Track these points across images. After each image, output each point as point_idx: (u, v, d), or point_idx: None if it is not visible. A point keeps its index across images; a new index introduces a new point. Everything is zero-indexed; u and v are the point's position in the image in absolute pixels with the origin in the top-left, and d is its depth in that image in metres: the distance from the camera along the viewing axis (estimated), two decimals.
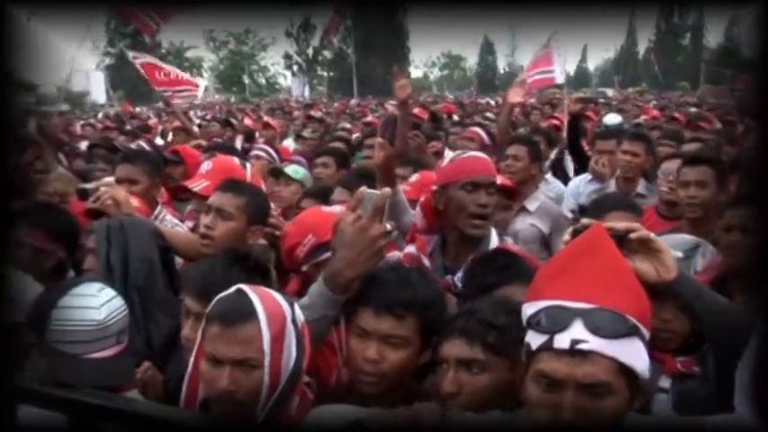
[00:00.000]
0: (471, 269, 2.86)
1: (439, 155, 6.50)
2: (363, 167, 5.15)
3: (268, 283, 2.39)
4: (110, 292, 2.38)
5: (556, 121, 10.51)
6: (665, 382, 2.62)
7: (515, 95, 7.37)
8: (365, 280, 2.37)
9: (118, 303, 2.38)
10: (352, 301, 2.38)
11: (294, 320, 2.08)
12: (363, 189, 2.42)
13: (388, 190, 2.41)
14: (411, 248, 3.38)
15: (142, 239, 3.05)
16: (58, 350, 2.23)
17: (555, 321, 1.68)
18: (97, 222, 3.14)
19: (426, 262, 3.26)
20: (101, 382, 2.10)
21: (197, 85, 10.55)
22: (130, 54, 11.04)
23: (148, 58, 10.53)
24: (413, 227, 3.52)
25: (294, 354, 2.05)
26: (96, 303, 2.30)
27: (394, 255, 3.55)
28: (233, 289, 2.12)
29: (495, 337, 2.06)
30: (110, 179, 3.97)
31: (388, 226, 2.36)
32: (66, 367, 2.18)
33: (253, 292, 2.07)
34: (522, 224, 4.80)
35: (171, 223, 4.09)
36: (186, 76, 10.38)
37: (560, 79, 9.79)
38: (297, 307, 2.14)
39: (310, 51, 78.32)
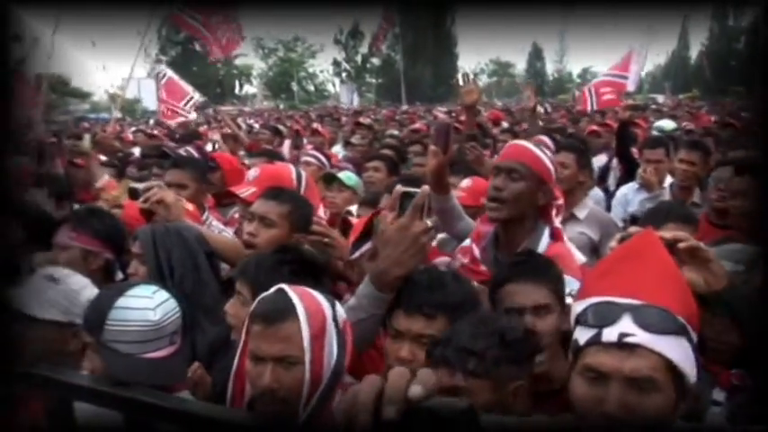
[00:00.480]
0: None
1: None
2: (412, 174, 5.16)
3: (321, 282, 2.45)
4: (164, 294, 2.44)
5: (595, 127, 10.38)
6: (719, 395, 2.57)
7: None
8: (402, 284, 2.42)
9: (172, 305, 2.44)
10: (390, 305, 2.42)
11: (335, 319, 2.11)
12: (399, 187, 2.47)
13: (426, 188, 2.44)
14: (467, 241, 3.39)
15: (188, 245, 3.11)
16: (114, 349, 2.29)
17: (603, 316, 1.69)
18: (141, 229, 3.20)
19: (478, 253, 3.27)
20: (155, 382, 2.14)
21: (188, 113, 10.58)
22: (163, 69, 11.11)
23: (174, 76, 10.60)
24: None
25: (335, 351, 2.08)
26: (152, 305, 2.36)
27: (443, 260, 3.56)
28: (274, 288, 2.16)
29: (474, 363, 2.05)
30: (159, 181, 4.03)
31: (429, 222, 2.39)
32: (122, 366, 2.23)
33: (293, 292, 2.11)
34: (572, 232, 4.75)
35: (217, 228, 4.15)
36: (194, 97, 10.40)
37: (631, 87, 9.58)
38: (338, 306, 2.17)
39: (359, 58, 78.74)
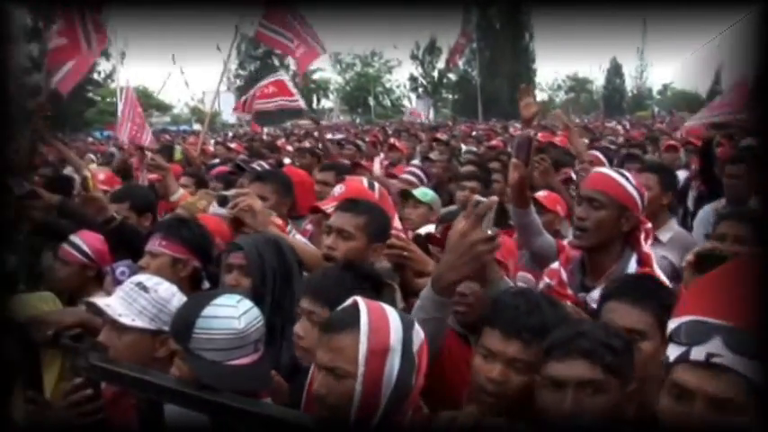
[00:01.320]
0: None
1: (569, 182, 6.45)
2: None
3: (380, 297, 2.47)
4: (247, 303, 2.52)
5: (673, 142, 10.14)
6: None
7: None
8: (493, 302, 2.43)
9: (255, 313, 2.51)
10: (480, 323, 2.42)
11: (407, 340, 2.11)
12: (475, 197, 2.49)
13: (494, 198, 2.45)
14: (555, 264, 3.41)
15: (285, 257, 3.16)
16: (201, 357, 2.38)
17: (693, 334, 1.70)
18: (243, 239, 3.27)
19: (565, 277, 3.28)
20: (240, 387, 2.22)
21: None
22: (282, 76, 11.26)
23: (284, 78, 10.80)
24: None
25: (397, 369, 2.06)
26: (236, 313, 2.44)
27: (525, 277, 3.57)
28: (349, 300, 2.21)
29: (611, 358, 2.06)
30: (247, 189, 4.11)
31: (489, 232, 2.39)
32: (208, 372, 2.31)
33: (364, 305, 2.14)
34: (653, 255, 4.68)
35: (301, 241, 4.22)
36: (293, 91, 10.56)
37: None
38: (416, 329, 2.17)
39: (435, 74, 78.79)
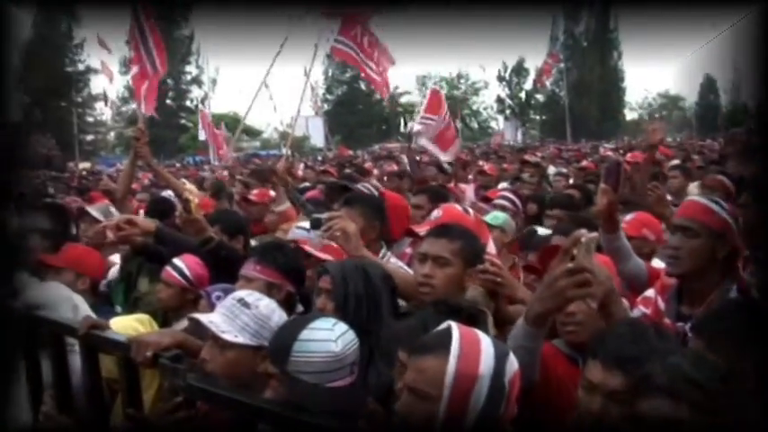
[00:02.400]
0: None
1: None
2: (580, 216, 5.10)
3: (476, 325, 2.44)
4: (343, 326, 2.56)
5: None
6: None
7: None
8: (598, 333, 2.41)
9: (351, 336, 2.55)
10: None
11: (497, 367, 2.08)
12: (580, 231, 2.44)
13: (581, 232, 2.41)
14: (650, 292, 3.36)
15: (372, 283, 3.15)
16: (299, 379, 2.42)
17: None
18: (331, 264, 3.30)
19: (661, 305, 3.23)
20: (336, 409, 2.24)
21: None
22: None
23: None
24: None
25: (484, 396, 2.04)
26: (333, 336, 2.48)
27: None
28: (443, 324, 2.20)
29: (700, 395, 1.87)
30: (341, 212, 4.14)
31: (570, 265, 2.36)
32: (306, 394, 2.35)
33: (456, 330, 2.13)
34: None
35: (395, 265, 4.21)
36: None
37: None
38: (510, 356, 2.15)
39: (523, 95, 78.34)
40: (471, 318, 2.57)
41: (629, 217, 4.48)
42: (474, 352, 2.08)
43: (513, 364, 2.14)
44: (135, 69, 7.24)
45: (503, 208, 6.20)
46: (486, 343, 2.13)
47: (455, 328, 2.14)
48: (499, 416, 2.08)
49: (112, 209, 6.11)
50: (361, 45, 8.86)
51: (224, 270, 4.03)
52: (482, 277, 3.15)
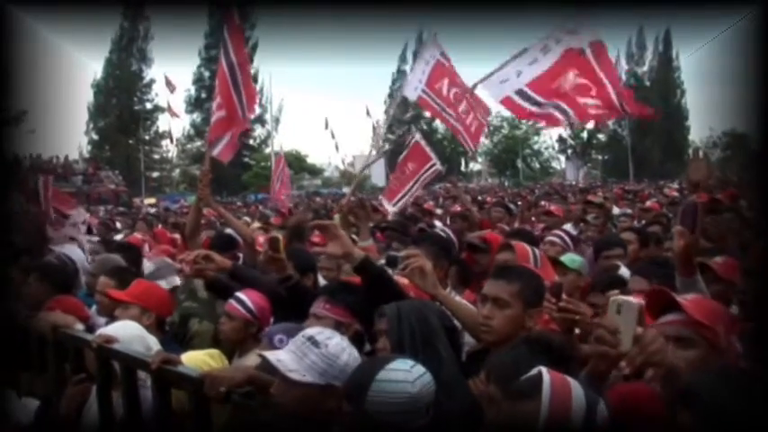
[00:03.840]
0: None
1: None
2: (659, 256, 5.02)
3: (568, 372, 2.44)
4: (420, 369, 2.56)
5: None
6: None
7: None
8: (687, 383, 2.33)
9: (428, 378, 2.55)
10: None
11: (590, 415, 2.11)
12: (618, 297, 2.36)
13: (640, 302, 2.33)
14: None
15: (428, 322, 3.16)
16: (376, 420, 2.43)
17: None
18: (390, 305, 3.29)
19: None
20: None
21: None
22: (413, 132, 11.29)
23: None
24: None
25: None
26: (411, 378, 2.48)
27: None
28: (534, 369, 2.22)
29: None
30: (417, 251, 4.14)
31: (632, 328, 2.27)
32: None
33: (547, 374, 2.16)
34: None
35: (461, 303, 4.19)
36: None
37: None
38: (601, 404, 2.17)
39: (585, 134, 77.80)
40: (562, 358, 2.56)
41: (719, 259, 4.34)
42: (565, 397, 2.12)
43: (603, 412, 2.16)
44: (222, 113, 6.97)
45: (551, 244, 6.22)
46: (575, 387, 2.17)
47: (545, 372, 2.18)
48: None
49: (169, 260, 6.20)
50: (447, 98, 8.71)
51: (294, 307, 4.06)
52: (558, 315, 3.17)
